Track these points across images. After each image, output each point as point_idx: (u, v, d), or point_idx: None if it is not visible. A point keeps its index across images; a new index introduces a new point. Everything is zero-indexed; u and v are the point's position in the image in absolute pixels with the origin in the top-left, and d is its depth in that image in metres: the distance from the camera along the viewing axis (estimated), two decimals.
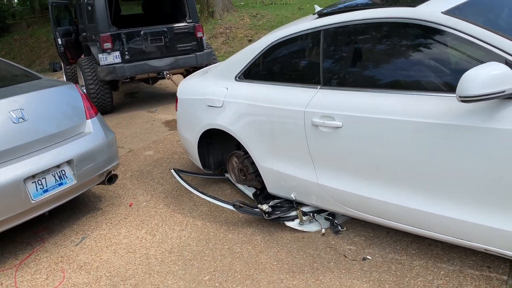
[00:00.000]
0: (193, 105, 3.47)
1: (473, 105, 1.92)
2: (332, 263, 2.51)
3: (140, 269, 2.68)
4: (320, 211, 2.98)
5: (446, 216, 2.09)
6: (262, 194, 3.25)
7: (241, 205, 3.06)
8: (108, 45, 6.55)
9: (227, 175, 3.73)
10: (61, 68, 10.07)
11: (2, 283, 2.70)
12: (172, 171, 3.95)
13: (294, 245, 2.74)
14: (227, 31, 12.11)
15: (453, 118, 1.96)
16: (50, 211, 3.01)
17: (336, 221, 2.86)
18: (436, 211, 2.12)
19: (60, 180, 2.93)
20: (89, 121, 3.28)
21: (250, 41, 11.24)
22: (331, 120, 2.45)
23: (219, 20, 12.82)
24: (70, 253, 2.95)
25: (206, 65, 7.21)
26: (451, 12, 2.11)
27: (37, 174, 2.81)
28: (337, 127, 2.43)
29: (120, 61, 6.67)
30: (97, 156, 3.19)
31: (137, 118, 6.63)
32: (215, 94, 3.24)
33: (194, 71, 7.58)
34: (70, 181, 2.99)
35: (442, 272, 2.30)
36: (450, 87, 2.04)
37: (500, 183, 1.88)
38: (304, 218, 2.90)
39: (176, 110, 3.74)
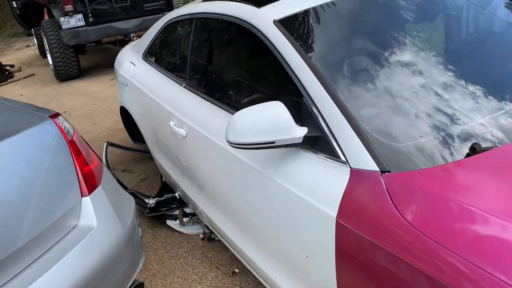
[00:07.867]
0: (117, 78, 3.23)
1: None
2: None
3: None
4: None
5: (247, 254, 1.81)
6: None
7: (134, 193, 2.79)
8: (69, 7, 6.02)
9: None
10: None
11: None
12: (105, 144, 3.59)
13: None
14: None
15: (251, 158, 1.61)
16: None
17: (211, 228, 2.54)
18: (243, 246, 1.84)
19: None
20: (87, 199, 1.70)
21: None
22: (180, 128, 2.18)
23: None
24: None
25: None
26: (283, 21, 1.64)
27: None
28: (183, 136, 2.15)
29: (84, 24, 6.21)
30: (113, 269, 1.66)
31: None
32: (125, 71, 3.00)
33: None
34: None
35: None
36: None
37: (279, 241, 1.53)
38: (184, 219, 2.68)
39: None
